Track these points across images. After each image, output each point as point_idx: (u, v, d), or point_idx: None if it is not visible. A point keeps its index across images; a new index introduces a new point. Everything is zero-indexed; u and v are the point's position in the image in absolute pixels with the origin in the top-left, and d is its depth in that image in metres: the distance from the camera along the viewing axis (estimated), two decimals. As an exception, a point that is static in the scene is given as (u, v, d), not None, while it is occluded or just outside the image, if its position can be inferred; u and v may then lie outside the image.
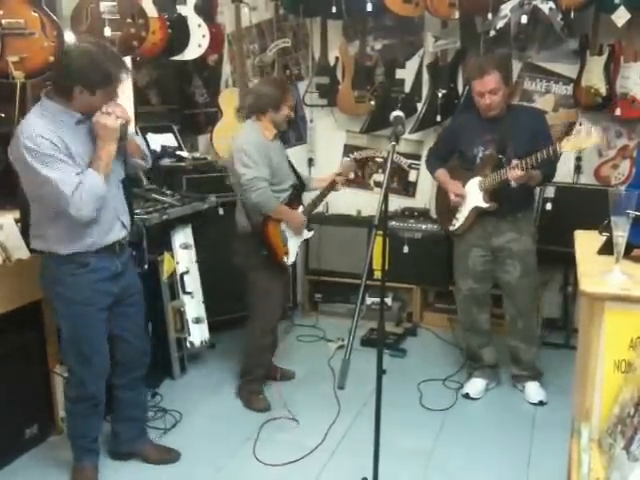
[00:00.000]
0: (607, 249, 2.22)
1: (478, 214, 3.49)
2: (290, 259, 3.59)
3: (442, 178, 3.66)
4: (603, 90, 4.07)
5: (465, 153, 3.52)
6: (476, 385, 3.73)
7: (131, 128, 2.84)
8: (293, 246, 3.60)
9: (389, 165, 2.21)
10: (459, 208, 3.55)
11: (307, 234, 3.72)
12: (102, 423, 3.01)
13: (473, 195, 3.46)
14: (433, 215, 4.51)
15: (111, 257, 2.73)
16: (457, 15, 4.10)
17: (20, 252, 3.03)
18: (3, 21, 3.13)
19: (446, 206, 3.66)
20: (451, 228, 3.65)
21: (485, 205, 3.43)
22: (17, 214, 3.11)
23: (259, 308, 3.60)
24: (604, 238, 2.30)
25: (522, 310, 3.59)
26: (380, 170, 4.97)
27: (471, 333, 3.74)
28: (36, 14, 3.23)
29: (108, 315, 2.81)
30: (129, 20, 3.77)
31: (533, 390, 3.66)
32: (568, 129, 4.42)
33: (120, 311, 2.86)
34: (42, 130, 2.45)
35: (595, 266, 2.10)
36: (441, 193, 3.75)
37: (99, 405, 2.88)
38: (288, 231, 3.56)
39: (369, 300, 4.66)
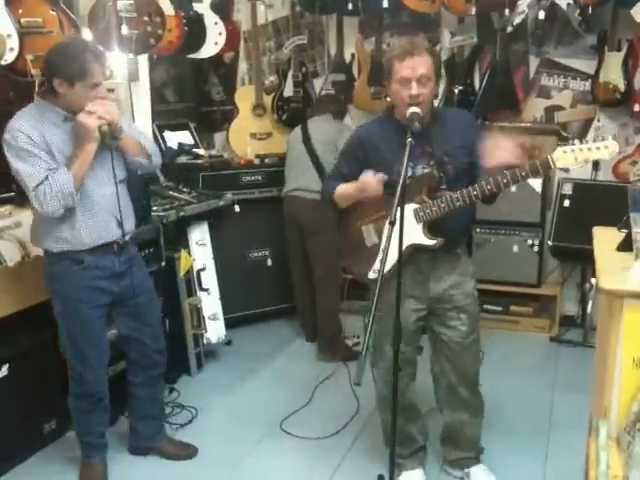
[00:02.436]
0: (626, 246, 2.21)
1: (411, 253, 2.57)
2: None
3: (346, 189, 2.66)
4: (621, 86, 4.04)
5: (385, 173, 2.51)
6: None
7: (128, 126, 2.78)
8: None
9: (405, 162, 2.18)
10: (382, 246, 2.22)
11: None
12: (108, 419, 3.01)
13: (406, 228, 2.25)
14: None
15: (109, 256, 2.72)
16: (474, 11, 4.10)
17: (38, 249, 3.06)
18: (22, 20, 3.16)
19: (355, 243, 2.72)
20: (372, 275, 2.61)
21: (430, 242, 2.54)
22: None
23: (335, 268, 4.05)
24: (623, 235, 2.29)
25: (467, 375, 2.78)
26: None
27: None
28: (54, 13, 3.25)
29: (113, 314, 2.85)
30: (146, 18, 3.79)
31: (482, 476, 2.88)
32: (585, 125, 4.41)
33: (126, 311, 2.87)
34: (22, 125, 2.50)
35: (614, 263, 2.09)
36: (348, 225, 2.76)
37: (101, 401, 2.88)
38: None
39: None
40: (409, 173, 2.53)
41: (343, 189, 2.68)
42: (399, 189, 2.11)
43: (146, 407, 3.10)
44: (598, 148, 2.30)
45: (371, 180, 2.51)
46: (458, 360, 2.74)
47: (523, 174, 2.38)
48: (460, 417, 2.85)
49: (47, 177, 2.48)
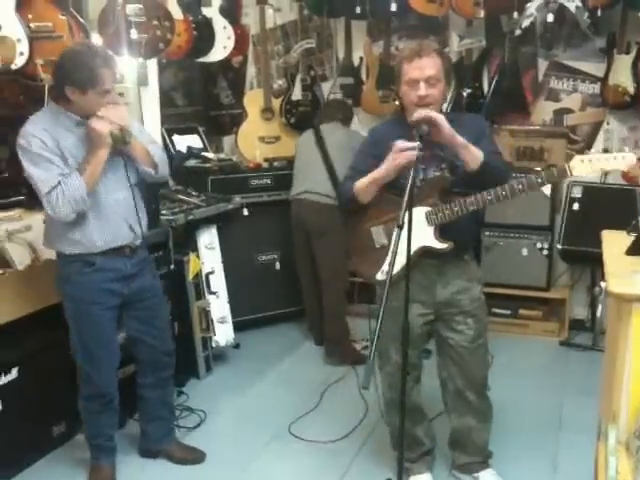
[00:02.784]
0: (635, 249, 2.21)
1: (420, 256, 2.55)
2: None
3: (369, 176, 2.55)
4: (631, 89, 4.02)
5: (396, 176, 2.50)
6: None
7: (139, 132, 2.79)
8: None
9: (413, 165, 2.18)
10: (391, 248, 2.11)
11: None
12: (117, 421, 3.01)
13: (416, 231, 2.25)
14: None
15: (121, 259, 2.74)
16: (482, 14, 4.10)
17: (49, 252, 3.07)
18: (32, 24, 3.18)
19: (363, 244, 2.68)
20: (379, 277, 2.58)
21: (441, 245, 2.52)
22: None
23: (340, 271, 4.08)
24: (632, 238, 2.29)
25: (475, 380, 2.75)
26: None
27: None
28: (64, 17, 3.27)
29: (121, 316, 2.86)
30: (155, 22, 3.80)
31: None
32: (594, 128, 4.39)
33: (134, 314, 2.88)
34: (35, 129, 2.53)
35: (623, 267, 2.09)
36: (357, 226, 2.72)
37: (111, 402, 2.89)
38: None
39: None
40: (420, 176, 2.54)
41: (365, 179, 2.57)
42: (407, 191, 2.10)
43: (155, 409, 3.10)
44: (615, 158, 2.33)
45: (404, 144, 2.40)
46: (465, 364, 2.71)
47: (539, 181, 2.40)
48: (467, 422, 2.82)
49: (60, 182, 2.50)
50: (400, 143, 2.43)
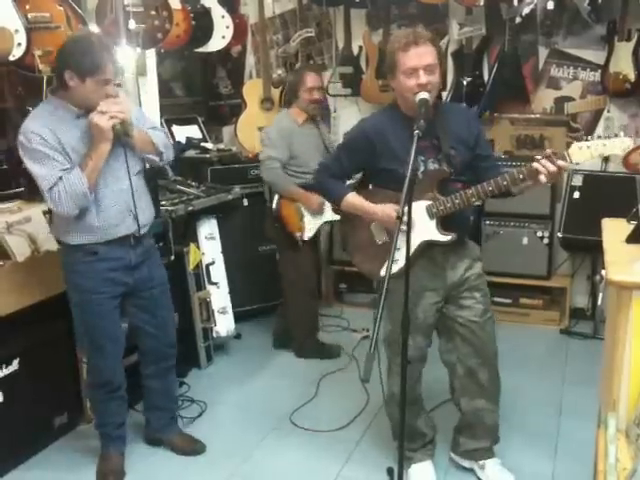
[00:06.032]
0: (635, 237, 2.21)
1: (424, 249, 2.57)
2: (305, 235, 3.89)
3: (359, 204, 2.65)
4: (632, 76, 4.02)
5: (393, 168, 2.49)
6: (426, 472, 2.89)
7: (140, 119, 2.78)
8: (309, 223, 3.90)
9: (412, 155, 2.15)
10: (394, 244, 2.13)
11: (331, 216, 3.86)
12: (126, 409, 3.02)
13: (418, 225, 2.40)
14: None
15: (125, 249, 2.74)
16: (482, 2, 4.07)
17: (48, 244, 3.08)
18: (29, 15, 3.16)
19: (364, 241, 2.69)
20: (383, 273, 2.38)
21: (445, 238, 2.53)
22: (46, 206, 3.15)
23: (289, 280, 4.01)
24: (632, 226, 2.28)
25: (488, 355, 2.72)
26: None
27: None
28: (61, 8, 3.26)
29: (126, 305, 2.88)
30: (153, 12, 3.78)
31: (497, 472, 2.84)
32: (595, 116, 4.38)
33: (138, 303, 2.89)
34: (35, 126, 2.51)
35: (623, 255, 2.08)
36: (354, 225, 2.74)
37: (117, 391, 2.91)
38: (305, 209, 3.86)
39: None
40: (422, 168, 2.54)
41: (358, 204, 2.65)
42: (407, 183, 2.09)
43: (157, 399, 3.13)
44: (613, 143, 2.33)
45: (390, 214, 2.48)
46: (477, 340, 2.68)
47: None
48: (479, 404, 2.79)
49: (61, 178, 2.50)
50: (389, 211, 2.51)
